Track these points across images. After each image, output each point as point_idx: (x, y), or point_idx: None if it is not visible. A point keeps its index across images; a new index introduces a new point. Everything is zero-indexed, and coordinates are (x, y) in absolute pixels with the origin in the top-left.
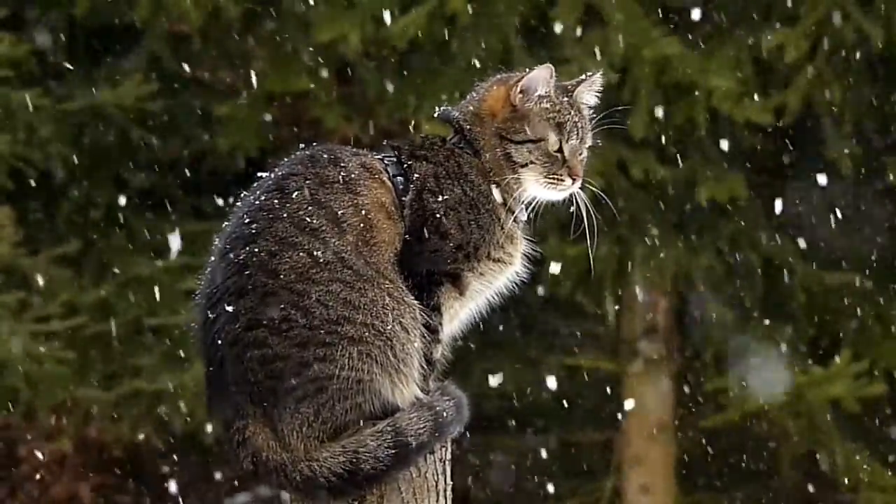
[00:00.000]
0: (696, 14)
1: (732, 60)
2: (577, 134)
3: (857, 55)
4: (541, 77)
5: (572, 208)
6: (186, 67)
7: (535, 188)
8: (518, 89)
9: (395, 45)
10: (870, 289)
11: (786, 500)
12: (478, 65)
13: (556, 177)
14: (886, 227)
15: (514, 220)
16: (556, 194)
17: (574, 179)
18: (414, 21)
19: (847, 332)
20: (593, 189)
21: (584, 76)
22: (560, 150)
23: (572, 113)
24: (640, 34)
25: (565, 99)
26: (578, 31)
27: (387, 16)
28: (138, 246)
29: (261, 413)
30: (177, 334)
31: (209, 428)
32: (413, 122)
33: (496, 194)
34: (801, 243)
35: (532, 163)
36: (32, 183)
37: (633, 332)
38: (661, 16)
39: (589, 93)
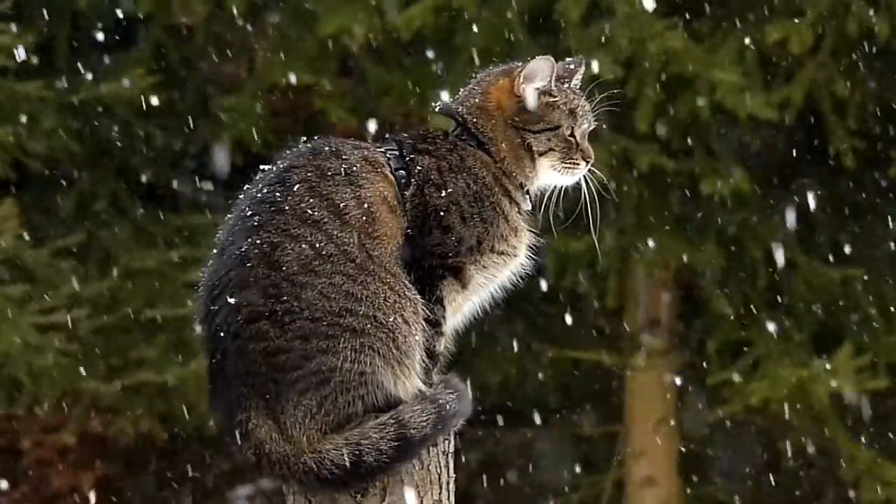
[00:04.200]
0: (700, 7)
1: (736, 54)
2: (586, 118)
3: (862, 49)
4: (539, 67)
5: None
6: (189, 59)
7: (551, 175)
8: (521, 80)
9: (400, 38)
10: (872, 282)
11: (788, 493)
12: (483, 58)
13: (572, 161)
14: (890, 220)
15: (519, 212)
16: (571, 178)
17: (587, 162)
18: (419, 13)
19: (849, 326)
20: (601, 177)
21: (571, 64)
22: (573, 134)
23: (579, 98)
24: (645, 27)
25: (566, 85)
26: (583, 24)
27: (392, 8)
28: (141, 238)
29: (263, 405)
30: (180, 327)
31: (212, 420)
32: (417, 116)
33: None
34: (804, 237)
35: (552, 150)
36: (35, 175)
37: (636, 325)
38: (665, 9)
39: (577, 78)
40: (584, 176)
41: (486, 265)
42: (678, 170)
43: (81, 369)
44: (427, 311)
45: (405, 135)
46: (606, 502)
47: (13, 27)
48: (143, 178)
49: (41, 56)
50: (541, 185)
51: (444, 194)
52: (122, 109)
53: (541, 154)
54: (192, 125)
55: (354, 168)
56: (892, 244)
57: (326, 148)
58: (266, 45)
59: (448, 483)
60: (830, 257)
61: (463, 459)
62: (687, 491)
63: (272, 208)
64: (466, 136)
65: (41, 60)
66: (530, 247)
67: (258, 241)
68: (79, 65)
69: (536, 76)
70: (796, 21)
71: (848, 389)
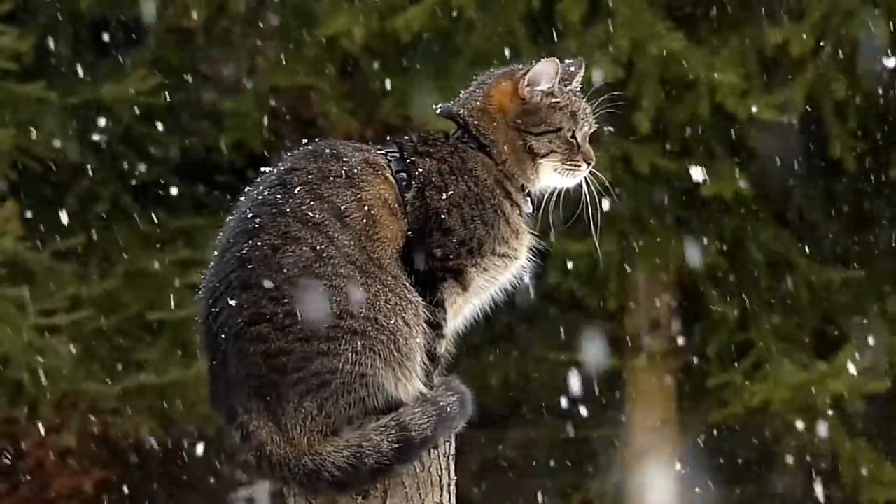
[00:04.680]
0: (700, 9)
1: (737, 56)
2: (587, 120)
3: (862, 51)
4: (545, 70)
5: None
6: (190, 62)
7: (553, 176)
8: (525, 83)
9: (400, 39)
10: (873, 283)
11: (788, 495)
12: (483, 59)
13: (573, 163)
14: (890, 222)
15: (520, 214)
16: (572, 180)
17: (588, 163)
18: (419, 14)
19: (850, 328)
20: (602, 180)
21: (571, 66)
22: (574, 136)
23: (581, 100)
24: (645, 29)
25: (568, 88)
26: (584, 26)
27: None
28: (142, 240)
29: (264, 407)
30: (181, 329)
31: (212, 422)
32: (417, 117)
33: (507, 188)
34: (805, 238)
35: (553, 151)
36: (36, 176)
37: (636, 328)
38: (665, 10)
39: (577, 80)
40: (585, 178)
41: (486, 267)
42: (678, 171)
43: (82, 371)
44: (428, 314)
45: (406, 137)
46: None
47: (14, 28)
48: (144, 180)
49: (42, 57)
50: (542, 187)
51: (445, 196)
52: (124, 111)
53: (542, 156)
54: (192, 127)
55: (355, 170)
56: (892, 245)
57: (327, 150)
58: (267, 48)
59: (449, 485)
60: (830, 258)
61: (463, 462)
62: (687, 493)
63: (273, 210)
64: (468, 139)
65: (42, 62)
66: (531, 249)
67: (259, 243)
68: (79, 66)
69: (542, 79)
70: (797, 23)
71: (848, 391)
